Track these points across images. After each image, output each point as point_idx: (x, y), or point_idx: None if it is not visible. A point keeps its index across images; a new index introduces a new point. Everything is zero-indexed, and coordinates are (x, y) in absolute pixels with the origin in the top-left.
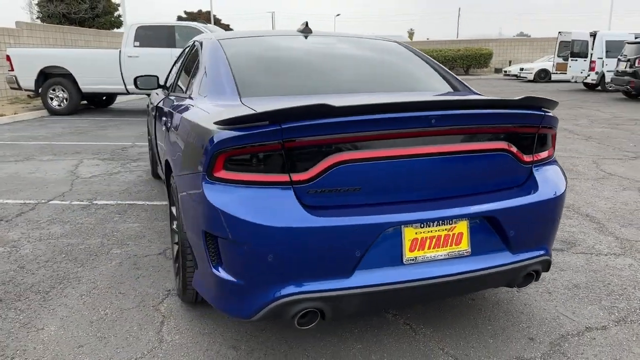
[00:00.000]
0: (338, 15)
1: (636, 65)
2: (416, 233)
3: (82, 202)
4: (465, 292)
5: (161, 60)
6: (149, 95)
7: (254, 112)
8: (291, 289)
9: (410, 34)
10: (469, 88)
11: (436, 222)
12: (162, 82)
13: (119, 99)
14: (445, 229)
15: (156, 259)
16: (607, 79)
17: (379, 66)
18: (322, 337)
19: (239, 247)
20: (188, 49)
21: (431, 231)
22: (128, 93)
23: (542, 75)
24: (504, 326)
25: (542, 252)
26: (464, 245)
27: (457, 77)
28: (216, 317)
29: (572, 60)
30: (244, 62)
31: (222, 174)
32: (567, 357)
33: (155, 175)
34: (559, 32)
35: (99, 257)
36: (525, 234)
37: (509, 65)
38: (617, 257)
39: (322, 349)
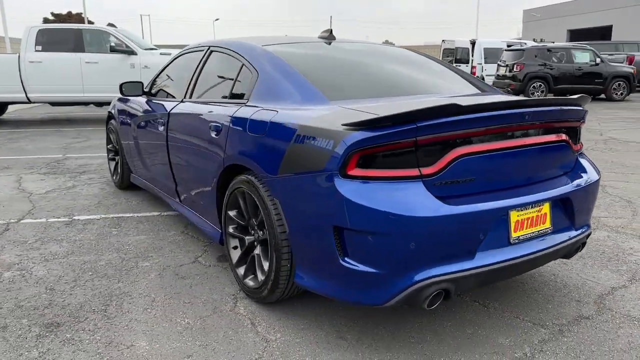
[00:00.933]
0: (217, 20)
1: (514, 69)
2: (518, 216)
3: (60, 219)
4: (543, 264)
5: (70, 66)
6: (98, 104)
7: (392, 114)
8: (427, 273)
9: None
10: (493, 87)
11: (530, 205)
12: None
13: (10, 108)
14: (536, 211)
15: (194, 267)
16: (487, 82)
17: (423, 70)
18: (415, 319)
19: (380, 238)
20: (204, 56)
21: (527, 213)
22: (29, 102)
23: None
24: (550, 294)
25: (588, 226)
26: (548, 224)
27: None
28: (302, 312)
29: (456, 65)
30: (305, 67)
31: (356, 171)
32: (613, 311)
33: (125, 186)
34: (443, 40)
35: (131, 271)
36: (582, 212)
37: None
38: (595, 231)
39: (421, 329)
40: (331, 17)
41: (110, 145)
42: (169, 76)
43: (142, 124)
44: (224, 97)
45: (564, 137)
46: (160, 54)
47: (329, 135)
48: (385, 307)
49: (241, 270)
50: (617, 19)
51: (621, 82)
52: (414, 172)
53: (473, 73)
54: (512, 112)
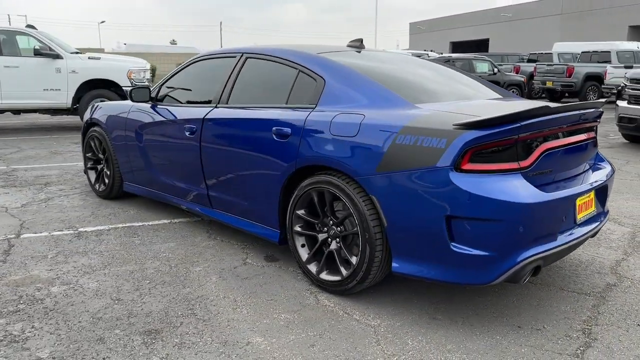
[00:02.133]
0: (103, 22)
1: None
2: (580, 201)
3: (65, 232)
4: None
5: None
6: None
7: (502, 114)
8: (528, 253)
9: (173, 44)
10: (508, 92)
11: (586, 192)
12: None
13: None
14: (588, 197)
15: (248, 268)
16: None
17: (456, 76)
18: (483, 298)
19: (493, 224)
20: (237, 62)
21: (584, 199)
22: None
23: None
24: (574, 270)
25: (608, 210)
26: (593, 208)
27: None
28: (385, 300)
29: None
30: (370, 74)
31: (469, 166)
32: (629, 278)
33: (113, 196)
34: None
35: (188, 276)
36: (607, 197)
37: None
38: None
39: (495, 305)
40: (221, 22)
41: (90, 154)
42: (185, 83)
43: (156, 130)
44: (278, 102)
45: (593, 134)
46: (89, 58)
47: (440, 135)
48: (490, 285)
49: (313, 267)
50: (493, 33)
51: (514, 89)
52: (515, 165)
53: None
54: (574, 113)
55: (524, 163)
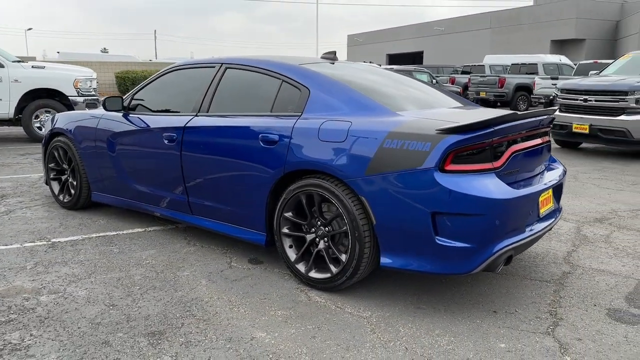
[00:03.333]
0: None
1: None
2: (542, 197)
3: (38, 243)
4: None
5: None
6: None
7: (478, 120)
8: (502, 244)
9: (104, 52)
10: (467, 100)
11: (546, 189)
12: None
13: None
14: (548, 194)
15: (235, 271)
16: None
17: (420, 86)
18: (458, 287)
19: (474, 218)
20: (217, 72)
21: (544, 196)
22: None
23: None
24: (532, 260)
25: (561, 207)
26: (552, 204)
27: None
28: (370, 294)
29: None
30: (350, 84)
31: (451, 167)
32: (581, 267)
33: (80, 206)
34: None
35: (178, 281)
36: (561, 195)
37: None
38: None
39: (469, 294)
40: (155, 31)
41: (53, 164)
42: (161, 92)
43: (131, 139)
44: (261, 110)
45: (548, 138)
46: (32, 67)
47: (425, 139)
48: (469, 274)
49: (301, 266)
50: (427, 46)
51: None
52: (489, 165)
53: None
54: (535, 119)
55: (497, 164)
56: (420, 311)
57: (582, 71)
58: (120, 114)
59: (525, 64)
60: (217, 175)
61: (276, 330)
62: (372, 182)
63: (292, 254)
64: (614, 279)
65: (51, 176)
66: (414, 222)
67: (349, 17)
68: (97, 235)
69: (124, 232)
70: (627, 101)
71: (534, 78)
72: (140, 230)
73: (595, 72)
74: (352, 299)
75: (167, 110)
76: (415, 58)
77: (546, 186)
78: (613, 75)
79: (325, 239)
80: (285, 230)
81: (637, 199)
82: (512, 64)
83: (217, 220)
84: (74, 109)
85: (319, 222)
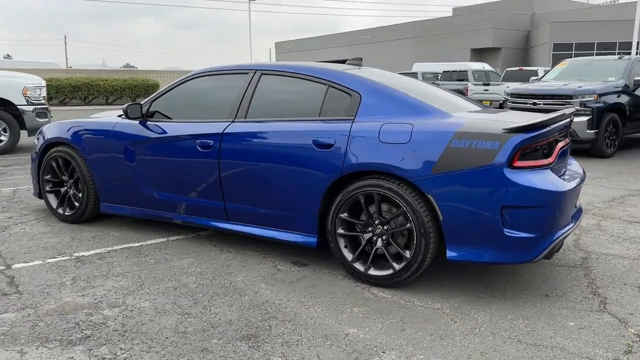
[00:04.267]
0: None
1: None
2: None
3: (61, 258)
4: None
5: None
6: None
7: (539, 120)
8: (559, 233)
9: (8, 58)
10: (480, 103)
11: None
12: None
13: None
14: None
15: (286, 273)
16: None
17: (442, 91)
18: (500, 276)
19: (539, 210)
20: (252, 78)
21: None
22: None
23: None
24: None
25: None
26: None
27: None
28: (432, 288)
29: None
30: (399, 87)
31: (518, 163)
32: (592, 252)
33: (85, 219)
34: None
35: (236, 285)
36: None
37: None
38: None
39: (520, 280)
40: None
41: (50, 176)
42: (184, 99)
43: (154, 147)
44: (307, 115)
45: (569, 138)
46: None
47: (493, 138)
48: (533, 262)
49: (359, 265)
50: (354, 54)
51: None
52: (546, 161)
53: None
54: (567, 120)
55: (550, 160)
56: (483, 300)
57: (509, 77)
58: (136, 122)
59: (456, 71)
60: (262, 180)
61: (364, 325)
62: (440, 181)
63: (348, 254)
64: (626, 261)
65: (47, 189)
66: (483, 216)
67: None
68: (120, 247)
69: (147, 242)
70: (572, 104)
71: (466, 84)
72: (162, 240)
73: (537, 77)
74: (415, 293)
75: (194, 118)
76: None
77: (580, 181)
78: (554, 80)
79: (384, 237)
80: (340, 230)
81: (601, 192)
82: (443, 71)
83: (258, 226)
84: (23, 119)
85: (376, 221)
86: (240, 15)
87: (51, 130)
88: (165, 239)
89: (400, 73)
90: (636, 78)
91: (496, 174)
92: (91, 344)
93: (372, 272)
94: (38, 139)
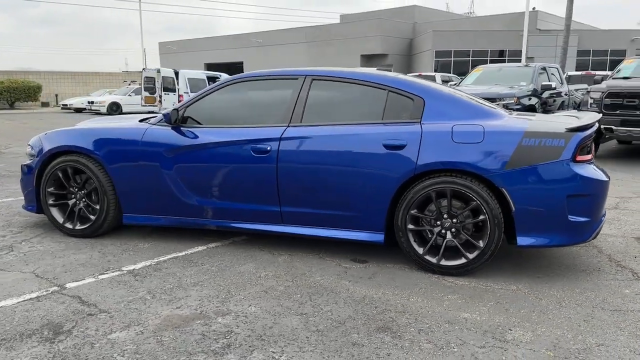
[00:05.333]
0: None
1: None
2: None
3: (112, 274)
4: None
5: None
6: None
7: (590, 122)
8: (603, 217)
9: None
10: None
11: None
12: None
13: None
14: None
15: (355, 270)
16: None
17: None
18: (541, 259)
19: (593, 197)
20: (303, 84)
21: None
22: None
23: (114, 108)
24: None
25: None
26: None
27: None
28: (496, 274)
29: (165, 94)
30: (456, 93)
31: (579, 158)
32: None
33: (102, 232)
34: (143, 69)
35: (322, 284)
36: None
37: (57, 99)
38: None
39: (556, 263)
40: None
41: (53, 188)
42: (221, 106)
43: (197, 153)
44: (368, 119)
45: None
46: None
47: (559, 136)
48: (586, 242)
49: (430, 257)
50: (246, 56)
51: None
52: (591, 156)
53: (180, 101)
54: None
55: (592, 155)
56: (543, 280)
57: None
58: (168, 128)
59: None
60: (325, 182)
61: (471, 310)
62: (513, 176)
63: (418, 248)
64: (621, 239)
65: (50, 202)
66: (552, 205)
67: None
68: (166, 258)
69: (190, 251)
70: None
71: None
72: (203, 248)
73: (454, 82)
74: (485, 279)
75: (239, 123)
76: (235, 68)
77: None
78: (473, 85)
79: (453, 229)
80: (410, 226)
81: None
82: None
83: (316, 226)
84: None
85: (445, 215)
86: (105, 13)
87: (55, 138)
88: (204, 247)
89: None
90: (543, 83)
91: (563, 168)
92: (240, 352)
93: (444, 262)
94: (31, 148)
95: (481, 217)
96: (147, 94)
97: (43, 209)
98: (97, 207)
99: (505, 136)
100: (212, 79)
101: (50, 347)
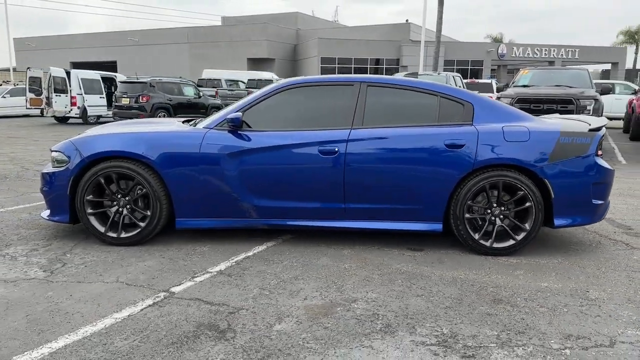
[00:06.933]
0: None
1: (141, 100)
2: None
3: (203, 276)
4: None
5: None
6: None
7: (602, 124)
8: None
9: None
10: None
11: None
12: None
13: None
14: None
15: (419, 257)
16: (89, 112)
17: None
18: (559, 236)
19: (608, 185)
20: (360, 90)
21: None
22: None
23: None
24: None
25: None
26: None
27: None
28: (525, 255)
29: (56, 95)
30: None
31: (599, 152)
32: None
33: (147, 239)
34: (28, 68)
35: (409, 272)
36: None
37: None
38: None
39: (572, 239)
40: None
41: (92, 196)
42: (278, 110)
43: (267, 156)
44: (424, 122)
45: None
46: None
47: (585, 135)
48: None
49: (483, 241)
50: (120, 55)
51: (216, 111)
52: (601, 152)
53: (73, 104)
54: None
55: (601, 151)
56: (570, 254)
57: None
58: (225, 132)
59: (261, 79)
60: (390, 179)
61: (544, 280)
62: (553, 168)
63: (474, 233)
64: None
65: (89, 211)
66: (581, 191)
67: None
68: (240, 258)
69: (255, 251)
70: None
71: None
72: (263, 247)
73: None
74: (529, 257)
75: (299, 127)
76: (106, 67)
77: None
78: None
79: (501, 216)
80: (467, 215)
81: None
82: (248, 80)
83: (377, 220)
84: None
85: (495, 204)
86: None
87: (96, 143)
88: (264, 246)
89: (200, 79)
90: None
91: (591, 160)
92: (405, 328)
93: (496, 244)
94: (61, 153)
95: (527, 204)
96: (32, 95)
97: (79, 218)
98: (148, 213)
99: (546, 135)
100: (106, 80)
101: (230, 343)
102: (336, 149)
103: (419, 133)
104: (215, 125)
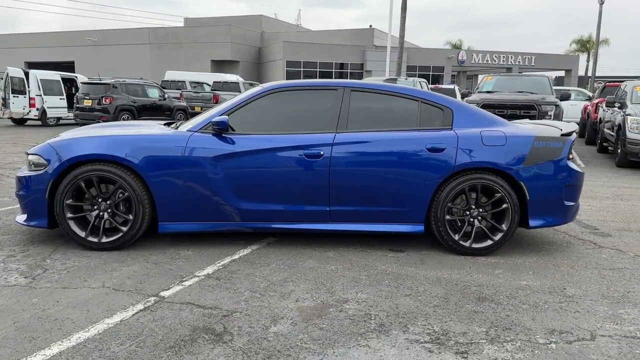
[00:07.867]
0: None
1: (104, 102)
2: None
3: (191, 280)
4: None
5: None
6: None
7: (573, 129)
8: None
9: None
10: None
11: None
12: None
13: None
14: None
15: (402, 257)
16: (49, 114)
17: None
18: (531, 235)
19: (576, 187)
20: (343, 95)
21: None
22: None
23: None
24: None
25: None
26: None
27: None
28: (505, 251)
29: (14, 96)
30: (470, 105)
31: (569, 156)
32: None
33: (128, 244)
34: None
35: (393, 271)
36: None
37: None
38: None
39: (549, 234)
40: None
41: (71, 200)
42: (261, 114)
43: (252, 159)
44: (406, 126)
45: None
46: None
47: (557, 140)
48: (571, 221)
49: (463, 242)
50: (78, 55)
51: (181, 114)
52: (571, 155)
53: (32, 105)
54: None
55: (572, 154)
56: (543, 253)
57: None
58: (211, 135)
59: (227, 82)
60: (374, 182)
61: (523, 279)
62: (528, 171)
63: (454, 234)
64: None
65: (69, 215)
66: (554, 193)
67: None
68: (226, 261)
69: (240, 254)
70: None
71: (237, 94)
72: (248, 250)
73: None
74: (505, 256)
75: (282, 130)
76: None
77: None
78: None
79: (479, 217)
80: (447, 217)
81: None
82: (214, 82)
83: (361, 223)
84: None
85: (472, 206)
86: None
87: (77, 146)
88: (249, 250)
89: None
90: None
91: (563, 164)
92: (398, 327)
93: (475, 245)
94: (40, 157)
95: (504, 205)
96: None
97: (59, 223)
98: (130, 217)
99: (521, 140)
100: (67, 81)
101: (229, 346)
102: (322, 152)
103: (402, 137)
104: (200, 129)
